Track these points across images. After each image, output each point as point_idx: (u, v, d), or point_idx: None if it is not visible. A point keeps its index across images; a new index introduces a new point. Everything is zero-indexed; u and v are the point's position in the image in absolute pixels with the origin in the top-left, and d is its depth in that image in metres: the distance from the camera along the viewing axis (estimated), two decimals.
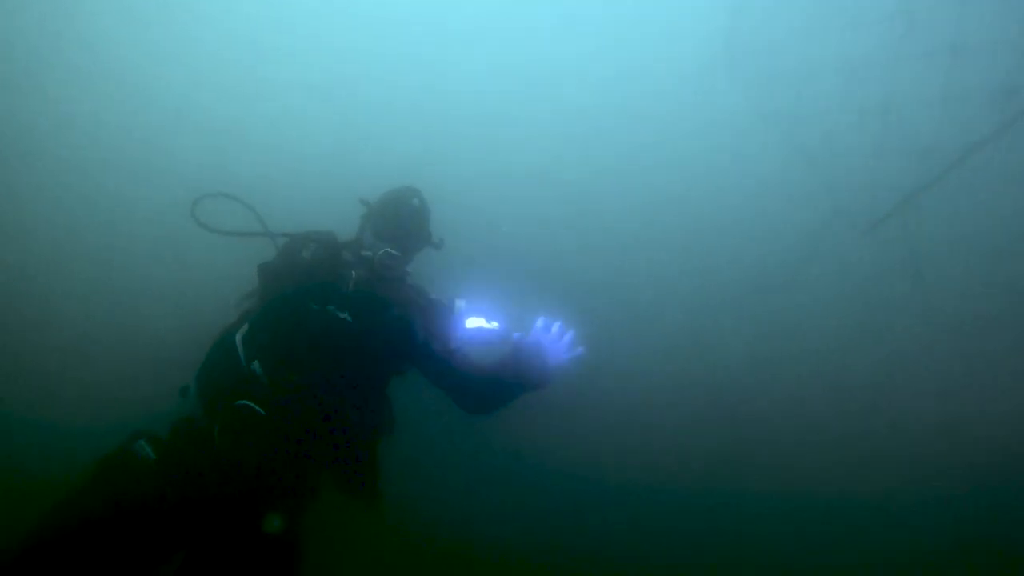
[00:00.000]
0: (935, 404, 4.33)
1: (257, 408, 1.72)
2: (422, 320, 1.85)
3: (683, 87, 4.41)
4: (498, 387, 1.89)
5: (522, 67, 4.55)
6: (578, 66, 4.59)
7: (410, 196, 2.27)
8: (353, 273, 2.03)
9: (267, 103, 4.46)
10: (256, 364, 1.81)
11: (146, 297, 4.08)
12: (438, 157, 4.15)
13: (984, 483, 4.40)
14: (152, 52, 4.36)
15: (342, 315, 1.84)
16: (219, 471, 1.69)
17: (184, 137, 4.32)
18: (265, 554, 1.69)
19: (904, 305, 4.29)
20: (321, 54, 4.53)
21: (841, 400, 4.44)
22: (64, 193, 4.24)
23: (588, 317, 4.30)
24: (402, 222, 2.19)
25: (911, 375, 4.36)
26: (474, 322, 2.01)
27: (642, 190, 4.53)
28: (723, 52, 4.16)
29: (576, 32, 4.60)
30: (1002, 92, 3.42)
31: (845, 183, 4.05)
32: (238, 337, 1.90)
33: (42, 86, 4.20)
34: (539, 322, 1.86)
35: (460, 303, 1.96)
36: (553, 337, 1.84)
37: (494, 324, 2.00)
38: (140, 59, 4.34)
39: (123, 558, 1.54)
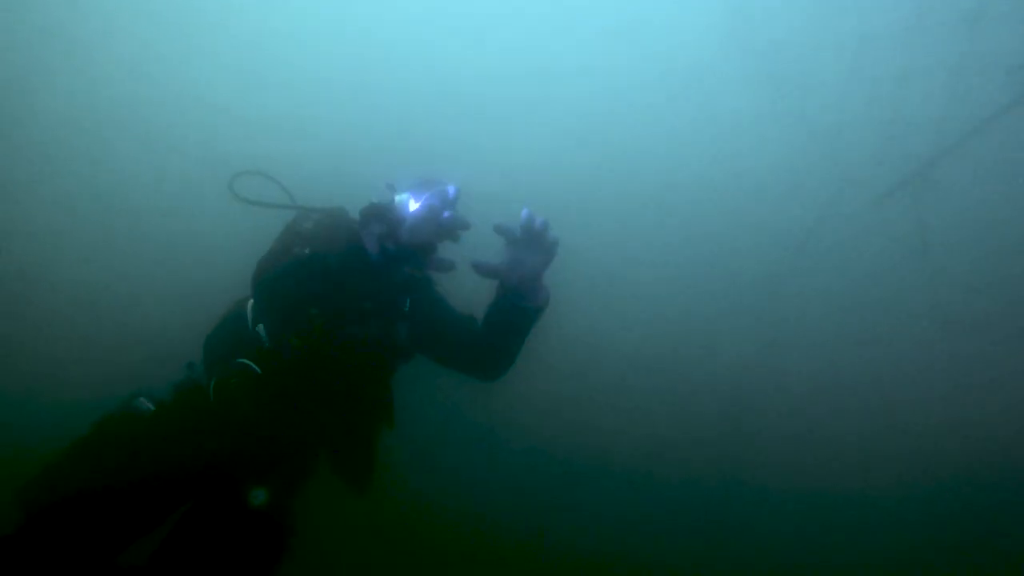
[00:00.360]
0: (938, 401, 4.27)
1: (254, 367, 1.72)
2: (373, 227, 1.63)
3: (693, 64, 4.31)
4: (504, 328, 1.75)
5: (523, 57, 4.50)
6: (585, 35, 4.49)
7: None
8: None
9: (271, 99, 4.42)
10: (261, 327, 1.82)
11: (152, 279, 4.10)
12: (445, 152, 4.14)
13: (986, 481, 4.36)
14: (159, 46, 4.32)
15: (304, 250, 1.80)
16: (210, 426, 1.70)
17: (188, 128, 4.32)
18: (251, 528, 1.68)
19: (910, 299, 4.22)
20: (331, 49, 4.49)
21: (843, 396, 4.38)
22: (64, 185, 4.24)
23: (588, 308, 4.33)
24: None
25: (913, 371, 4.30)
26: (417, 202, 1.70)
27: (644, 176, 4.47)
28: (731, 29, 4.05)
29: (582, 3, 4.52)
30: (1020, 66, 3.33)
31: (857, 154, 3.96)
32: (249, 304, 1.92)
33: (43, 82, 4.19)
34: (496, 228, 1.59)
35: (400, 196, 1.69)
36: (526, 236, 1.59)
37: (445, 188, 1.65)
38: (144, 54, 4.30)
39: (118, 513, 1.55)
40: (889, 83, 3.72)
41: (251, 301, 1.92)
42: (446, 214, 1.53)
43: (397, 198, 1.68)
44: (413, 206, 1.60)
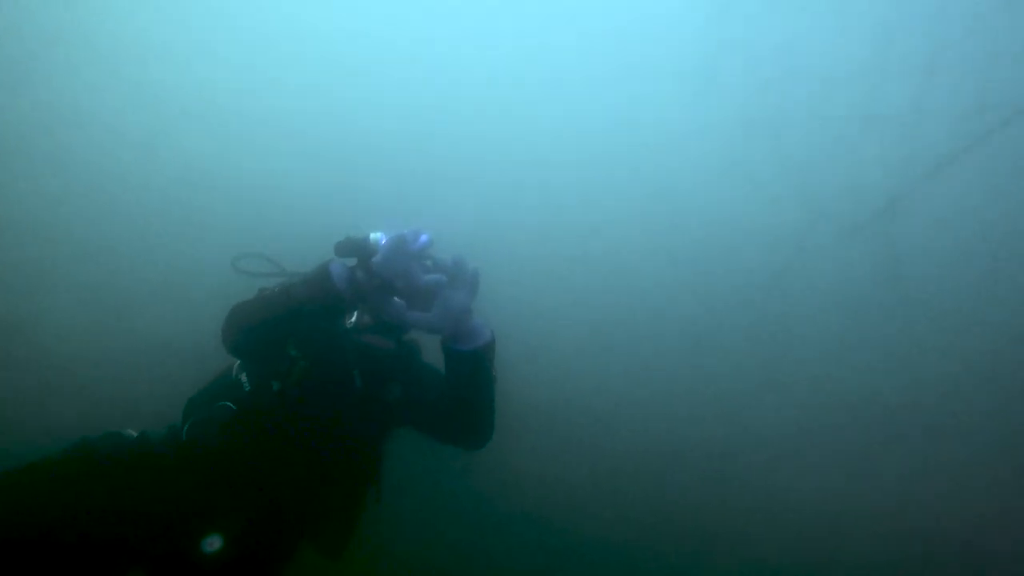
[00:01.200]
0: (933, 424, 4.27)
1: (231, 405, 1.75)
2: (346, 259, 1.66)
3: (664, 95, 4.40)
4: (462, 381, 1.70)
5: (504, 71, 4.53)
6: (556, 72, 4.52)
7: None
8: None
9: (276, 104, 4.36)
10: (244, 375, 1.85)
11: (144, 308, 4.01)
12: (423, 166, 4.13)
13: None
14: (159, 49, 4.25)
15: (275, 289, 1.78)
16: (176, 465, 1.69)
17: (186, 137, 4.25)
18: None
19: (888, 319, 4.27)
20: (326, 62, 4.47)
21: (830, 448, 4.36)
22: (63, 194, 4.14)
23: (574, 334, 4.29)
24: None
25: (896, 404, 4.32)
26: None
27: (619, 199, 4.50)
28: (702, 60, 4.16)
29: (553, 38, 4.53)
30: (974, 109, 3.51)
31: (826, 191, 4.07)
32: (236, 363, 1.92)
33: (43, 83, 4.09)
34: (425, 281, 1.54)
35: (374, 234, 1.68)
36: (450, 278, 1.57)
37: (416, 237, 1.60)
38: (144, 56, 4.23)
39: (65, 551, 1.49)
40: (855, 122, 3.87)
41: (238, 362, 1.92)
42: (418, 242, 1.53)
43: (372, 235, 1.70)
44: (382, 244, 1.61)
